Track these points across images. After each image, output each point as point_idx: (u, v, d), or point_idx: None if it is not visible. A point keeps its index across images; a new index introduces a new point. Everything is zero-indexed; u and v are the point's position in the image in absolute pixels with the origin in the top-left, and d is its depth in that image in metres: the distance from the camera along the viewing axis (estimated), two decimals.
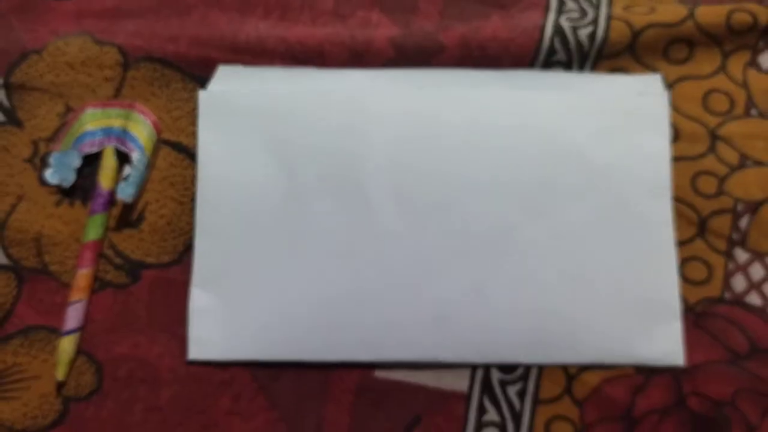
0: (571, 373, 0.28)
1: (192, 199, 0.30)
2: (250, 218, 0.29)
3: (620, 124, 0.30)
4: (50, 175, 0.30)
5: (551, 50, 0.30)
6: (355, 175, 0.30)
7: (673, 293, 0.29)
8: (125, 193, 0.29)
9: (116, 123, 0.30)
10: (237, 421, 0.28)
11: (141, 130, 0.30)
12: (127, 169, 0.30)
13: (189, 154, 0.30)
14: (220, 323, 0.29)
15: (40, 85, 0.31)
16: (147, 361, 0.29)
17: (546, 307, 0.29)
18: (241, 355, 0.29)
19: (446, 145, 0.30)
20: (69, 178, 0.30)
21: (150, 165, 0.30)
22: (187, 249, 0.30)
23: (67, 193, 0.30)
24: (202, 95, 0.30)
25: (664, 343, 0.28)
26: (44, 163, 0.30)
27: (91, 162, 0.30)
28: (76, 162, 0.30)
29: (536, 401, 0.28)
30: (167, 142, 0.31)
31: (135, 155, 0.30)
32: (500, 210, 0.29)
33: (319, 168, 0.30)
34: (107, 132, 0.30)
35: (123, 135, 0.30)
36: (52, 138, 0.31)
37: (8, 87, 0.31)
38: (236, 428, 0.28)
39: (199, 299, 0.29)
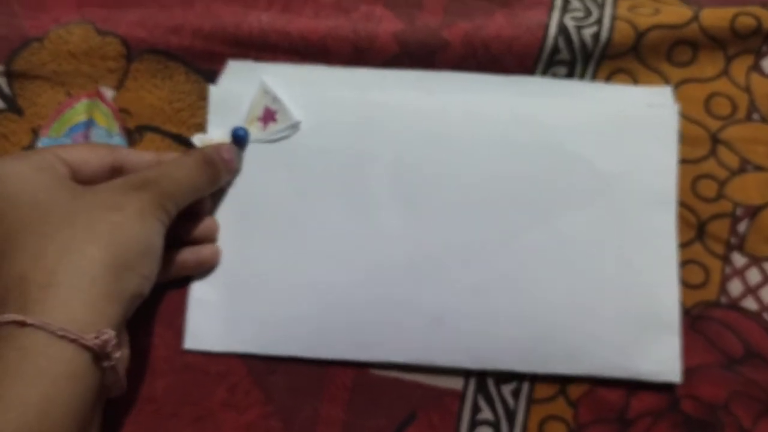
0: (561, 375, 0.28)
1: None
2: (253, 213, 0.29)
3: (628, 135, 0.30)
4: None
5: (555, 49, 0.30)
6: (361, 175, 0.30)
7: (673, 308, 0.28)
8: None
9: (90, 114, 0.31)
10: (231, 413, 0.28)
11: (97, 111, 0.30)
12: None
13: (189, 145, 0.30)
14: (218, 315, 0.29)
15: (42, 73, 0.31)
16: (142, 350, 0.29)
17: (544, 316, 0.28)
18: (238, 348, 0.29)
19: (453, 150, 0.30)
20: None
21: (120, 137, 0.30)
22: None
23: None
24: (213, 90, 0.30)
25: (662, 358, 0.28)
26: (36, 133, 0.30)
27: None
28: None
29: (530, 401, 0.28)
30: (168, 134, 0.31)
31: (92, 132, 0.30)
32: (504, 216, 0.29)
33: (325, 167, 0.30)
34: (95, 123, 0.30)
35: (92, 124, 0.30)
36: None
37: (9, 75, 0.31)
38: (230, 421, 0.28)
39: (199, 290, 0.29)
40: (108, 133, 0.30)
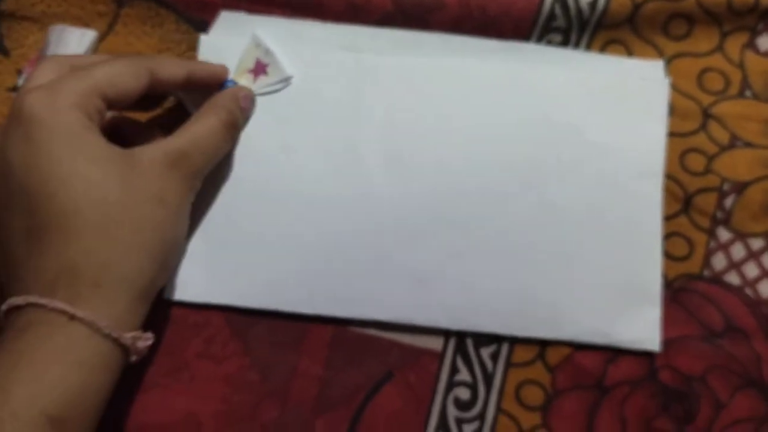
0: (541, 339, 0.28)
1: None
2: (240, 167, 0.29)
3: (619, 106, 0.29)
4: None
5: (551, 15, 0.30)
6: (350, 134, 0.29)
7: (655, 279, 0.28)
8: None
9: None
10: (208, 364, 0.28)
11: None
12: None
13: (177, 95, 0.30)
14: (201, 266, 0.28)
15: (30, 14, 0.30)
16: None
17: (527, 280, 0.28)
18: (219, 300, 0.28)
19: (444, 113, 0.29)
20: None
21: None
22: None
23: None
24: (204, 40, 0.30)
25: (642, 327, 0.28)
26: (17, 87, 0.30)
27: None
28: None
29: (509, 364, 0.28)
30: None
31: None
32: (491, 180, 0.29)
33: (314, 124, 0.29)
34: None
35: None
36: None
37: None
38: (206, 371, 0.28)
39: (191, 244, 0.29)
40: None
